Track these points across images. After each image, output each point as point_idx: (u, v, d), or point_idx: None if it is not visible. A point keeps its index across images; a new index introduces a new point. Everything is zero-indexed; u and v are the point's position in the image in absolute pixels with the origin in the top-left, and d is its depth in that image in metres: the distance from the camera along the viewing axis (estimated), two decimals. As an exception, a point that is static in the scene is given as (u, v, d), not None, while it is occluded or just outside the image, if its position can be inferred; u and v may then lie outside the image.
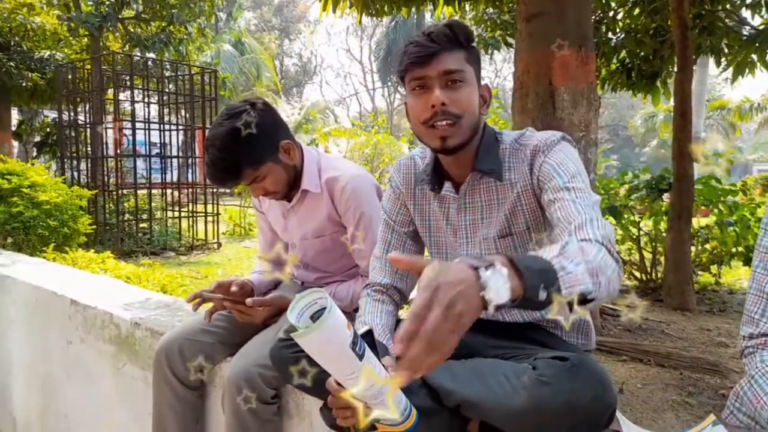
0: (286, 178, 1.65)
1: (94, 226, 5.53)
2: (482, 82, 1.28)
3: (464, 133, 1.22)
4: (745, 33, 4.77)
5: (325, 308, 0.86)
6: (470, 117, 1.22)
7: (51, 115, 12.27)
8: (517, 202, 1.27)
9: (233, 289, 1.64)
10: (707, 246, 5.11)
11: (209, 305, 1.67)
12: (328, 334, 0.85)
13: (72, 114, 7.75)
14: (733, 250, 4.85)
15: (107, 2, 8.60)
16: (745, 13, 4.85)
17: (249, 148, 1.54)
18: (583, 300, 0.86)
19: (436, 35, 1.19)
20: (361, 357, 0.90)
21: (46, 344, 2.49)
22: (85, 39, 9.62)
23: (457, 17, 5.02)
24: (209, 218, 7.81)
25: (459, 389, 1.06)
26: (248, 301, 1.60)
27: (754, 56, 4.73)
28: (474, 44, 1.26)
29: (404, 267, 0.79)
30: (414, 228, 1.44)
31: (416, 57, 1.19)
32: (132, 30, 9.55)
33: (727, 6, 4.79)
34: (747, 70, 4.86)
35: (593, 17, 4.85)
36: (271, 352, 1.30)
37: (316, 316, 0.88)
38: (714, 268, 5.20)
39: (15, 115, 13.17)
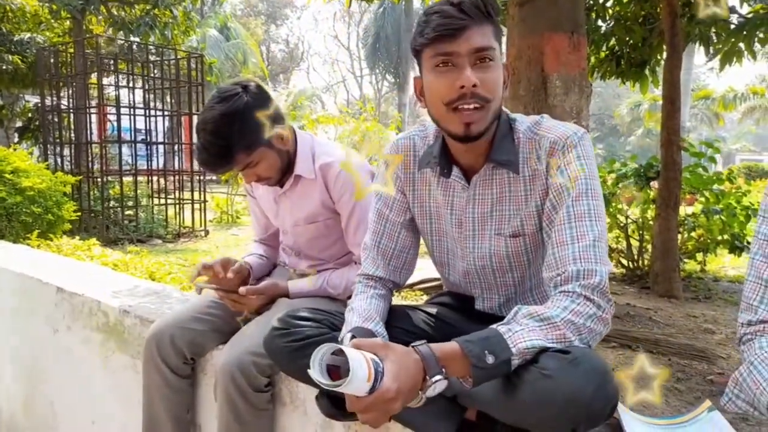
0: (279, 164, 1.62)
1: (79, 214, 5.45)
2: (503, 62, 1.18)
3: (488, 119, 1.13)
4: (733, 21, 4.78)
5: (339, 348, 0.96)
6: (497, 101, 1.13)
7: (33, 99, 12.02)
8: (530, 200, 1.21)
9: (229, 275, 1.61)
10: (693, 234, 5.16)
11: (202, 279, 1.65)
12: (349, 391, 0.95)
13: (55, 99, 7.60)
14: (719, 237, 4.90)
15: (90, -16, 8.41)
16: (734, 2, 4.86)
17: (241, 132, 1.49)
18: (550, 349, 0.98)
19: (466, 6, 1.08)
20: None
21: (32, 333, 2.45)
22: (68, 22, 9.41)
23: None
24: (196, 205, 7.74)
25: (456, 380, 1.05)
26: (241, 290, 1.58)
27: (742, 45, 4.75)
28: (498, 17, 1.16)
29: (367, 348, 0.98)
30: (410, 216, 1.37)
31: (444, 29, 1.08)
32: (116, 13, 9.35)
33: (717, -6, 4.79)
34: (734, 59, 4.88)
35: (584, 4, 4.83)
36: (264, 341, 1.28)
37: (336, 353, 0.97)
38: (700, 256, 5.26)
39: (-5, 100, 12.89)
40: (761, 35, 4.56)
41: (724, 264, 5.64)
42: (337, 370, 0.96)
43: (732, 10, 4.79)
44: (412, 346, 0.99)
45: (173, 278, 3.10)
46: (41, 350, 2.42)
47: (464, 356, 0.96)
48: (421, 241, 1.44)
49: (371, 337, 1.17)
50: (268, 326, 1.29)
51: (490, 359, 0.95)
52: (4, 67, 9.41)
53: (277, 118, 1.60)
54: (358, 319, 1.23)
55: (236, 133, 1.49)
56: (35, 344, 2.45)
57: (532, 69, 2.91)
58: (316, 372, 0.94)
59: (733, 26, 4.70)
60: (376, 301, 1.31)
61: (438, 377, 0.96)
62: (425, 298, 3.85)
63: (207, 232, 7.69)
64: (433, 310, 1.43)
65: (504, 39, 3.43)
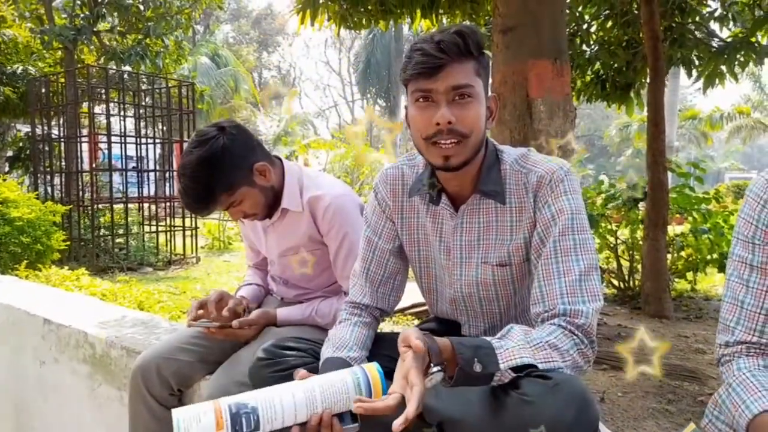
0: (264, 200, 1.62)
1: (69, 243, 5.43)
2: (489, 93, 1.21)
3: (468, 152, 1.16)
4: (714, 45, 4.89)
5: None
6: (476, 135, 1.16)
7: (24, 129, 12.04)
8: (518, 232, 1.23)
9: (225, 314, 1.60)
10: (682, 253, 5.20)
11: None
12: None
13: (45, 128, 7.62)
14: (708, 257, 4.94)
15: (82, 15, 8.50)
16: (714, 26, 4.99)
17: (221, 175, 1.50)
18: (531, 371, 0.98)
19: (446, 45, 1.10)
20: None
21: (19, 365, 2.42)
22: (59, 52, 9.49)
23: (434, 30, 5.05)
24: (187, 232, 7.72)
25: (442, 407, 1.05)
26: (234, 323, 1.57)
27: (723, 67, 4.86)
28: (485, 52, 1.18)
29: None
30: (399, 243, 1.38)
31: (423, 68, 1.11)
32: (107, 43, 9.44)
33: (697, 19, 4.92)
34: (717, 81, 4.99)
35: (568, 30, 4.94)
36: (250, 371, 1.28)
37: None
38: (690, 275, 5.29)
39: (-14, 130, 12.88)
40: (741, 58, 4.66)
41: (714, 283, 5.66)
42: None
43: (712, 34, 4.90)
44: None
45: (162, 307, 3.08)
46: (28, 383, 2.39)
47: (454, 356, 0.97)
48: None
49: (343, 365, 1.17)
50: (253, 356, 1.28)
51: (477, 368, 0.96)
52: (-5, 98, 9.43)
53: (258, 155, 1.61)
54: (331, 349, 1.24)
55: (215, 176, 1.49)
56: (22, 377, 2.42)
57: (517, 94, 2.96)
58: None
59: (713, 49, 4.81)
60: (359, 329, 1.31)
61: (438, 368, 0.96)
62: (416, 322, 3.85)
63: (198, 259, 7.66)
64: (419, 337, 1.43)
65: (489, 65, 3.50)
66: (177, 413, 0.90)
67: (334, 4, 4.54)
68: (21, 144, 11.19)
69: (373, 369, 1.06)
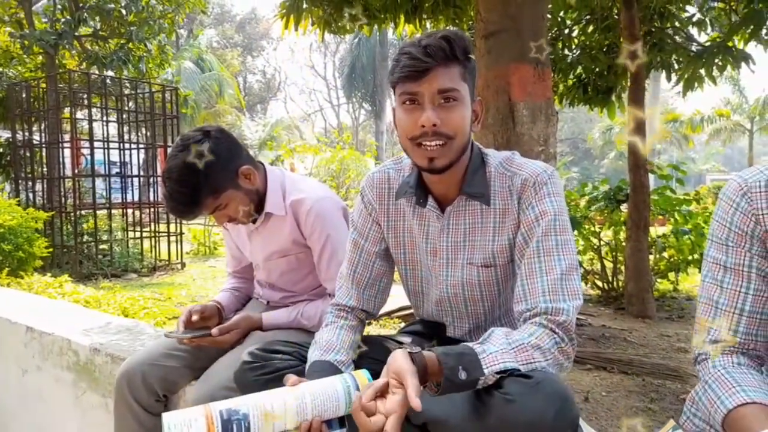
0: (249, 204, 1.63)
1: (51, 249, 5.36)
2: (476, 98, 1.23)
3: (453, 154, 1.18)
4: (692, 49, 4.98)
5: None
6: (461, 138, 1.18)
7: (4, 134, 11.86)
8: (503, 233, 1.25)
9: (194, 318, 1.62)
10: (665, 254, 5.27)
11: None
12: None
13: (26, 134, 7.53)
14: (690, 257, 5.01)
15: (63, 20, 8.41)
16: (692, 31, 5.07)
17: (207, 178, 1.51)
18: (514, 373, 1.01)
19: (432, 49, 1.12)
20: None
21: (0, 374, 2.40)
22: (40, 57, 9.37)
23: (417, 35, 5.08)
24: (172, 238, 7.65)
25: (426, 407, 1.06)
26: (213, 331, 1.58)
27: (702, 71, 4.94)
28: (471, 56, 1.20)
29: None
30: (385, 246, 1.41)
31: (409, 71, 1.13)
32: (89, 47, 9.34)
33: (675, 23, 5.00)
34: (696, 84, 5.07)
35: (550, 35, 5.00)
36: (235, 375, 1.29)
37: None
38: (672, 276, 5.36)
39: (-35, 136, 12.66)
40: (719, 62, 4.74)
41: (696, 283, 5.74)
42: None
43: (691, 38, 4.99)
44: (409, 353, 1.00)
45: (147, 313, 3.06)
46: (10, 392, 2.36)
47: (440, 368, 0.99)
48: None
49: (331, 368, 1.19)
50: (239, 360, 1.29)
51: (462, 375, 0.98)
52: (-27, 103, 9.28)
53: (243, 159, 1.62)
54: (319, 352, 1.25)
55: (201, 179, 1.50)
56: (4, 386, 2.39)
57: (500, 98, 2.99)
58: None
59: (692, 53, 4.89)
60: (345, 332, 1.32)
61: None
62: (402, 325, 3.86)
63: (184, 265, 7.60)
64: (406, 339, 1.45)
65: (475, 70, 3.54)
66: (167, 417, 0.91)
67: (317, 9, 4.55)
68: (1, 150, 11.03)
69: (363, 376, 1.07)
